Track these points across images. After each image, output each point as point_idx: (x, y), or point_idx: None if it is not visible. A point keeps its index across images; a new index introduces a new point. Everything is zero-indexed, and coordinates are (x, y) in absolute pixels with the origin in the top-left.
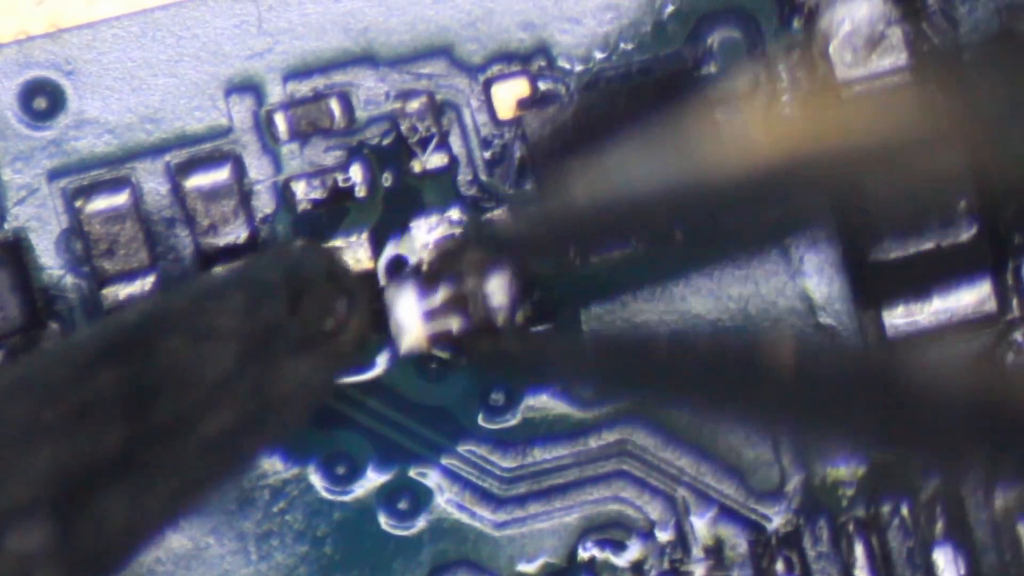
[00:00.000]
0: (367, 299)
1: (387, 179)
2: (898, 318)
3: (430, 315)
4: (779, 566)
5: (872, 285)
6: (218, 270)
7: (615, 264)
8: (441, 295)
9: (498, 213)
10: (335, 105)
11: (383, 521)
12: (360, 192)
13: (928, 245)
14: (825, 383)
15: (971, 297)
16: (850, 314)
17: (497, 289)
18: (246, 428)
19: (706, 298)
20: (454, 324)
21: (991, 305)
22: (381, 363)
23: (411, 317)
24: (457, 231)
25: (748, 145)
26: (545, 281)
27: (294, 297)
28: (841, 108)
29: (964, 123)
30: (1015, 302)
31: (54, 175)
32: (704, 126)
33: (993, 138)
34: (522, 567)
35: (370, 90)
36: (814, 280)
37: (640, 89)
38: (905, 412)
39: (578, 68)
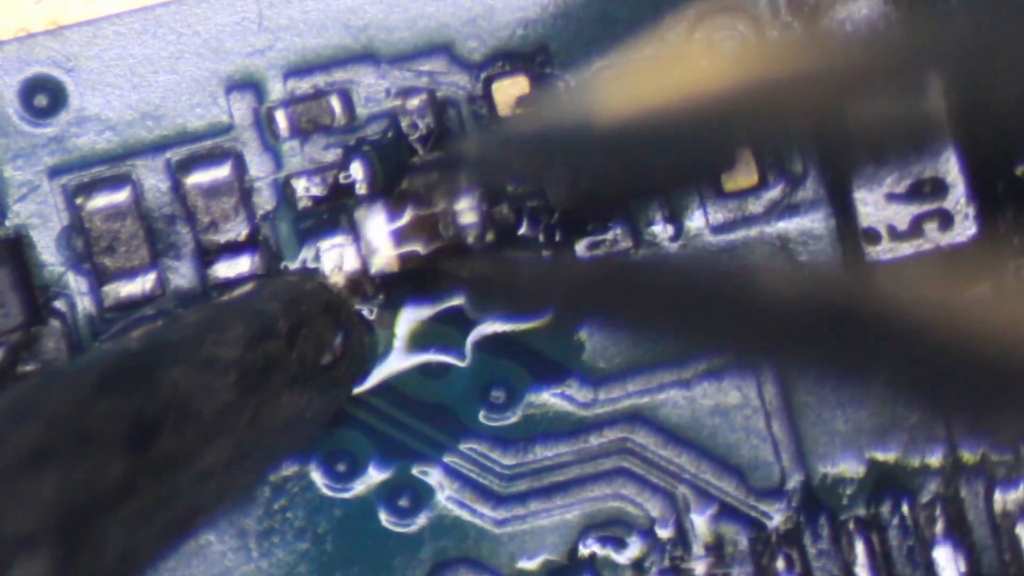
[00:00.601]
0: (363, 334)
1: (387, 176)
2: None
3: (400, 235)
4: (779, 564)
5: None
6: (218, 300)
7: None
8: (410, 215)
9: (466, 138)
10: (336, 102)
11: (384, 518)
12: (360, 189)
13: (928, 246)
14: (804, 313)
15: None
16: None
17: (467, 209)
18: (243, 459)
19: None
20: (424, 244)
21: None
22: (382, 361)
23: (381, 237)
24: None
25: (726, 73)
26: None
27: (293, 330)
28: (822, 35)
29: (945, 52)
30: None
31: (55, 172)
32: (683, 54)
33: (974, 68)
34: (523, 564)
35: (371, 87)
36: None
37: None
38: (888, 345)
39: (577, 65)
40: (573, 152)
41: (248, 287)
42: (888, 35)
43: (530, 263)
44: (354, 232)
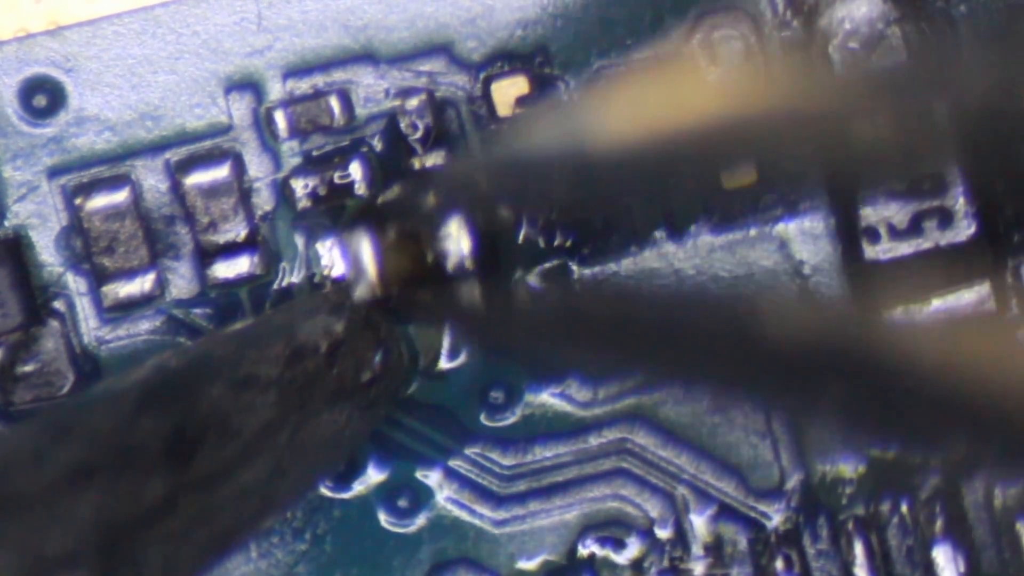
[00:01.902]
0: (402, 352)
1: (386, 176)
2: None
3: (383, 261)
4: (779, 564)
5: (870, 285)
6: (259, 317)
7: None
8: (394, 241)
9: (448, 162)
10: (335, 102)
11: (383, 519)
12: (359, 190)
13: (928, 244)
14: (813, 350)
15: (970, 296)
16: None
17: (451, 235)
18: (283, 476)
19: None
20: (407, 270)
21: (991, 304)
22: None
23: (365, 263)
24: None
25: (731, 100)
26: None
27: (332, 347)
28: (827, 62)
29: (953, 76)
30: (1015, 301)
31: (54, 172)
32: (687, 79)
33: (980, 93)
34: (522, 565)
35: (370, 87)
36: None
37: None
38: (895, 383)
39: (577, 65)
40: (570, 167)
41: (288, 304)
42: (892, 57)
43: (520, 291)
44: (344, 255)
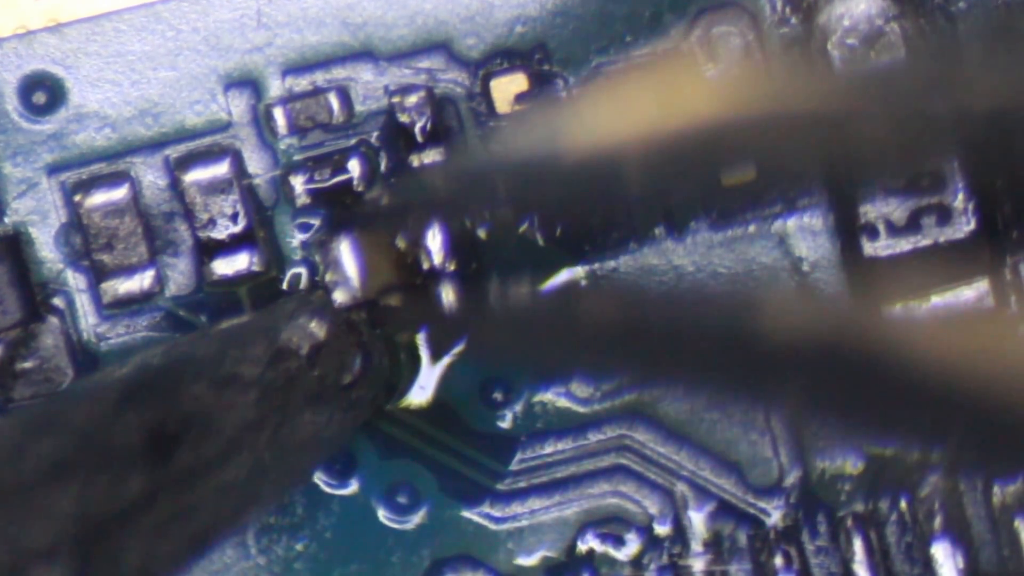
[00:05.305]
0: (383, 354)
1: (385, 174)
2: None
3: (364, 266)
4: (778, 560)
5: (869, 281)
6: (242, 317)
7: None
8: (376, 245)
9: (436, 164)
10: (334, 99)
11: (382, 515)
12: (358, 187)
13: (926, 241)
14: (814, 351)
15: (969, 293)
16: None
17: (430, 240)
18: (263, 475)
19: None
20: (389, 274)
21: (989, 301)
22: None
23: (344, 269)
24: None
25: (730, 97)
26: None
27: (314, 349)
28: (825, 59)
29: (952, 73)
30: (1013, 298)
31: (54, 169)
32: (686, 76)
33: (979, 88)
34: (521, 561)
35: (369, 84)
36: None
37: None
38: (894, 379)
39: (576, 62)
40: (569, 165)
41: (271, 306)
42: (891, 54)
43: (517, 290)
44: (325, 261)
